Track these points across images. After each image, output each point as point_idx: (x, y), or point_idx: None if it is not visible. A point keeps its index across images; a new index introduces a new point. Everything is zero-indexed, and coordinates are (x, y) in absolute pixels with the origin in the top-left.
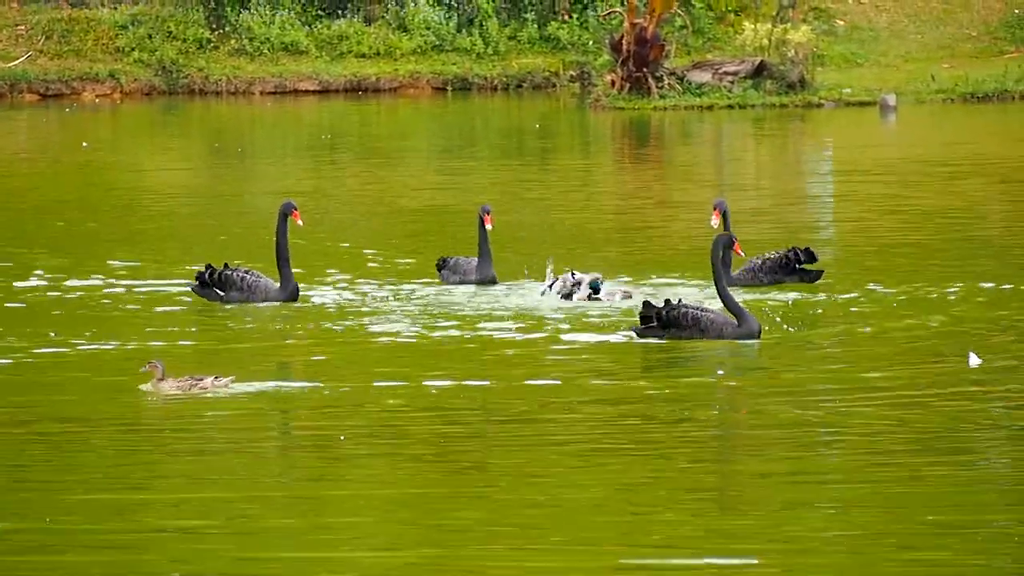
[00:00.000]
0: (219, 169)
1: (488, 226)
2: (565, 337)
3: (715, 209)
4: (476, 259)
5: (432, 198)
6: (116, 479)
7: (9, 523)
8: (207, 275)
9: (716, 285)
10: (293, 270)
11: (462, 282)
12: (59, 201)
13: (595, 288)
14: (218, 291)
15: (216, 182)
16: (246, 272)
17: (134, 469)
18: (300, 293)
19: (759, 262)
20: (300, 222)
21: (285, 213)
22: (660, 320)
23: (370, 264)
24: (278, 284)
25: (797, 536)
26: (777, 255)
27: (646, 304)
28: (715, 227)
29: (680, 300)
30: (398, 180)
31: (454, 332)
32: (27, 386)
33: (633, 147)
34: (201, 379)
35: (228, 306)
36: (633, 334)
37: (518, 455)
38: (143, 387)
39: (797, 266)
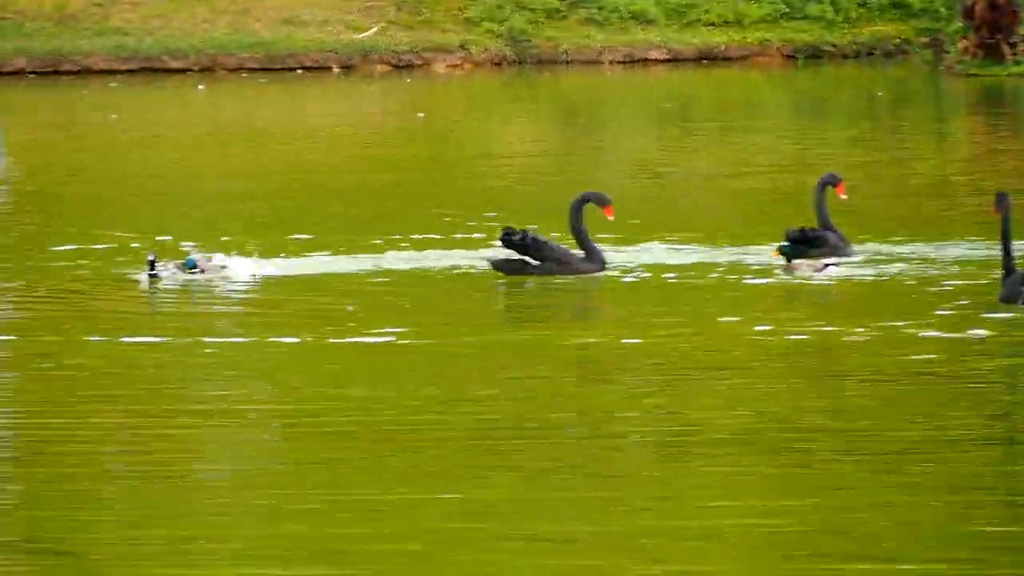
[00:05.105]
0: (566, 138)
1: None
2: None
3: None
4: None
5: (780, 167)
6: None
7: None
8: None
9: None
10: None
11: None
12: (392, 164)
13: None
14: (529, 260)
15: (562, 150)
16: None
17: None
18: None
19: None
20: (843, 196)
21: (826, 183)
22: None
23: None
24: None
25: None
26: None
27: None
28: None
29: None
30: (746, 149)
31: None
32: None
33: (989, 113)
34: None
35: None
36: None
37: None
38: None
39: None
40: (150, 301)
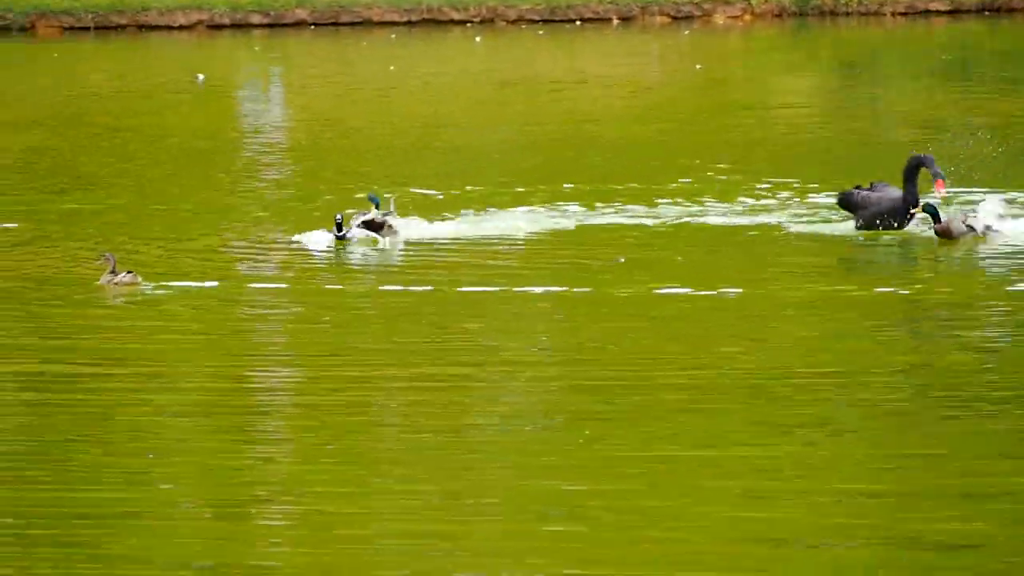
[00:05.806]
0: (843, 90)
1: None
2: None
3: None
4: None
5: None
6: None
7: None
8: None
9: None
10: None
11: None
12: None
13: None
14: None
15: (838, 103)
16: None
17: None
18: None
19: None
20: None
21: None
22: None
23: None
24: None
25: None
26: None
27: None
28: None
29: None
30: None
31: None
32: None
33: None
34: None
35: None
36: None
37: None
38: (99, 282)
39: None
40: (394, 254)
